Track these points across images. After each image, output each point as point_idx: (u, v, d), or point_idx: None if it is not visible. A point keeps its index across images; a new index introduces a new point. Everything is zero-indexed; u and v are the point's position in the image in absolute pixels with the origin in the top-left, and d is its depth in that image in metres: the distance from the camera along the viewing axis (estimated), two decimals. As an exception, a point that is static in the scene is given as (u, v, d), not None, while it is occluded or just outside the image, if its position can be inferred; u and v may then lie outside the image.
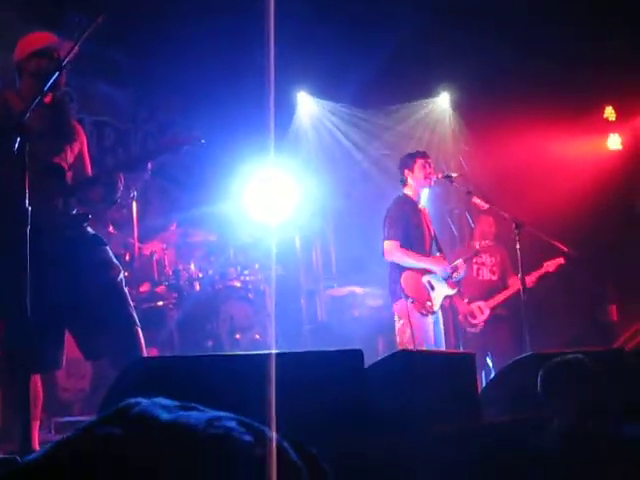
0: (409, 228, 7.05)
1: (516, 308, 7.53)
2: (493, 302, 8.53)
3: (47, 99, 4.60)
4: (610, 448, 3.42)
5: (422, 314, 6.84)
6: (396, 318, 7.02)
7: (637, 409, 3.82)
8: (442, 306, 7.33)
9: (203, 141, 4.89)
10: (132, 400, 1.14)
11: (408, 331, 6.82)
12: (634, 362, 4.65)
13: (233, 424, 1.09)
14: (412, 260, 6.95)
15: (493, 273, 8.74)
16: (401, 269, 6.95)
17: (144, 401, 1.13)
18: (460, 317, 8.64)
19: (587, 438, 3.45)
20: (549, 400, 3.69)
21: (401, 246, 6.96)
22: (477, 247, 8.27)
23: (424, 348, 6.61)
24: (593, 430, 3.48)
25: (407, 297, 6.86)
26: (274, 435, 1.12)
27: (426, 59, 10.50)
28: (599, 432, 3.46)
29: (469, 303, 8.58)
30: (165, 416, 1.08)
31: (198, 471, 1.02)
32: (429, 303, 6.89)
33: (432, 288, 6.96)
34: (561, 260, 8.34)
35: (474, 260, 8.70)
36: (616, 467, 3.34)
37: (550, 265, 8.45)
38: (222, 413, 1.12)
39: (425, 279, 6.95)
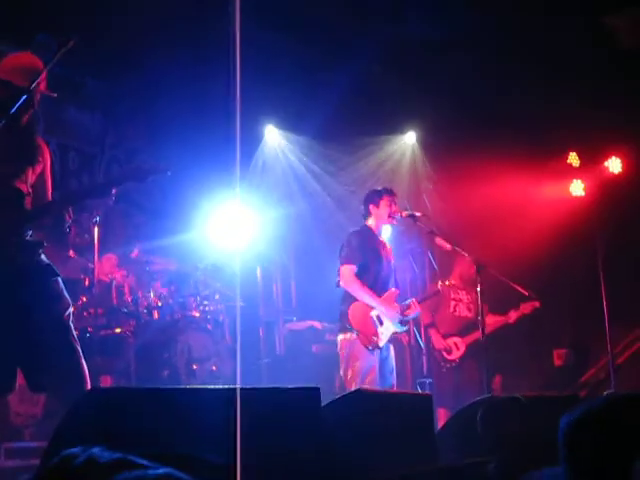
0: (367, 258, 7.02)
1: (490, 347, 7.54)
2: (469, 338, 8.55)
3: (23, 120, 4.58)
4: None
5: (367, 348, 6.79)
6: (339, 349, 6.97)
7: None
8: (397, 342, 7.31)
9: (169, 173, 4.87)
10: (68, 453, 1.09)
11: (349, 366, 6.78)
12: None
13: None
14: (365, 295, 6.90)
15: (469, 310, 8.77)
16: (351, 300, 6.91)
17: (81, 455, 1.08)
18: (436, 352, 8.65)
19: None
20: (486, 439, 3.70)
21: (357, 274, 6.92)
22: (439, 287, 8.24)
23: (365, 384, 6.55)
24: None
25: (352, 329, 6.83)
26: None
27: (394, 96, 10.57)
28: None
29: (445, 339, 8.61)
30: None
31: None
32: (375, 338, 6.81)
33: (380, 323, 6.89)
34: (536, 303, 8.41)
35: (452, 296, 8.75)
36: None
37: (526, 307, 8.54)
38: (160, 471, 1.07)
39: (374, 313, 6.87)
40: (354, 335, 6.80)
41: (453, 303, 8.82)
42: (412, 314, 7.22)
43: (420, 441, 3.84)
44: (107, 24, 8.49)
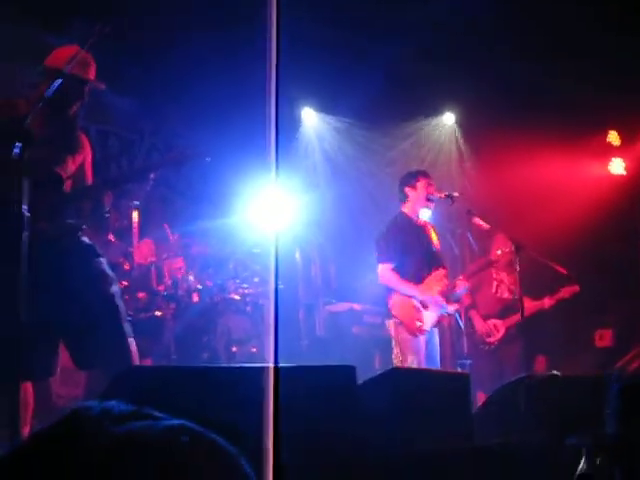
0: (403, 248, 7.02)
1: (528, 329, 7.51)
2: (509, 321, 8.51)
3: (72, 110, 4.65)
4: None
5: (412, 334, 6.80)
6: (389, 333, 7.02)
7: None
8: (440, 324, 7.30)
9: (209, 159, 4.91)
10: (83, 405, 1.10)
11: (396, 351, 6.81)
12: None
13: (185, 439, 1.05)
14: (406, 289, 6.92)
15: (510, 292, 8.72)
16: (391, 291, 6.94)
17: (96, 408, 1.09)
18: (476, 335, 8.62)
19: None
20: (526, 416, 3.70)
21: (393, 269, 6.93)
22: (492, 257, 8.14)
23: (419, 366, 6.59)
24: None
25: (395, 318, 6.84)
26: (228, 448, 1.09)
27: (432, 78, 10.51)
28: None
29: (485, 320, 8.57)
30: (115, 429, 1.04)
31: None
32: (419, 323, 6.83)
33: (425, 307, 6.91)
34: (576, 288, 8.36)
35: (494, 276, 8.71)
36: None
37: (566, 292, 8.48)
38: (175, 422, 1.08)
39: (417, 300, 6.90)
40: (397, 323, 6.83)
41: (495, 284, 8.78)
42: (460, 291, 7.22)
43: (456, 419, 3.84)
44: (141, 8, 8.53)
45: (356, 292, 10.02)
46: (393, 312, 6.87)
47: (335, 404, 3.15)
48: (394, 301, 6.91)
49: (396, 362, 6.85)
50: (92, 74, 4.77)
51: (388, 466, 3.09)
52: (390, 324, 6.96)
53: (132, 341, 4.62)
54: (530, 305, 8.55)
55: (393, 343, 6.96)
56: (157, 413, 1.10)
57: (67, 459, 1.01)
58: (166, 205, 10.26)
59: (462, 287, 7.25)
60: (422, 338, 6.87)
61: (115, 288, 4.70)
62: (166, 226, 8.72)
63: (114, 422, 1.05)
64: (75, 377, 6.61)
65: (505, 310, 8.62)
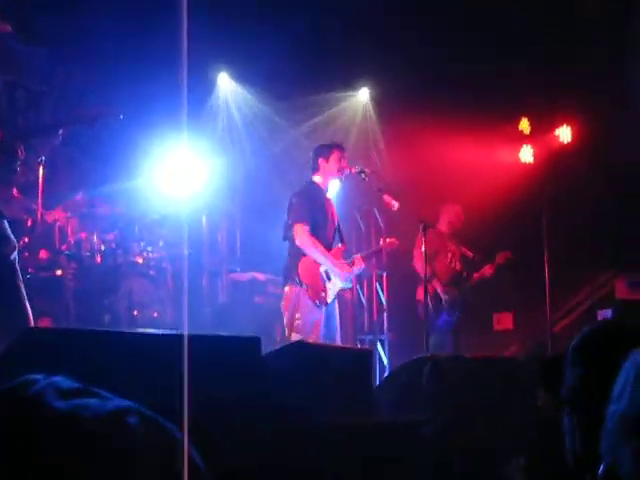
0: (315, 215, 7.00)
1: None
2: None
3: None
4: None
5: (314, 303, 6.79)
6: (284, 301, 6.95)
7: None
8: (340, 298, 7.32)
9: (122, 116, 4.81)
10: (29, 378, 1.07)
11: (292, 316, 6.77)
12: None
13: (135, 420, 1.03)
14: (319, 254, 6.89)
15: (460, 263, 8.90)
16: (301, 254, 6.89)
17: (41, 381, 1.06)
18: (444, 304, 8.71)
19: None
20: (428, 395, 3.76)
21: (310, 232, 6.90)
22: (381, 244, 8.16)
23: (310, 338, 6.56)
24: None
25: (302, 283, 6.81)
26: (176, 432, 1.07)
27: (348, 52, 10.52)
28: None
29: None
30: (59, 404, 1.01)
31: (87, 468, 0.97)
32: (323, 294, 6.83)
33: (328, 279, 6.90)
34: (508, 253, 8.69)
35: (448, 247, 8.84)
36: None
37: (500, 258, 8.77)
38: (124, 403, 1.06)
39: (322, 269, 6.89)
40: (302, 288, 6.79)
41: (450, 255, 8.89)
42: (356, 270, 7.23)
43: (356, 394, 3.87)
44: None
45: (260, 262, 10.01)
46: (302, 277, 6.82)
47: (241, 374, 3.14)
48: (303, 266, 6.86)
49: (293, 330, 6.78)
50: None
51: (288, 436, 3.10)
52: (291, 289, 6.88)
53: (27, 305, 4.53)
54: (475, 275, 8.91)
55: (287, 309, 6.86)
56: (105, 393, 1.07)
57: (6, 430, 0.97)
58: (73, 164, 10.05)
59: (359, 267, 7.24)
60: (322, 309, 6.84)
61: (15, 253, 4.58)
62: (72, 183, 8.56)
63: (60, 397, 1.02)
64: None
65: (458, 280, 8.78)
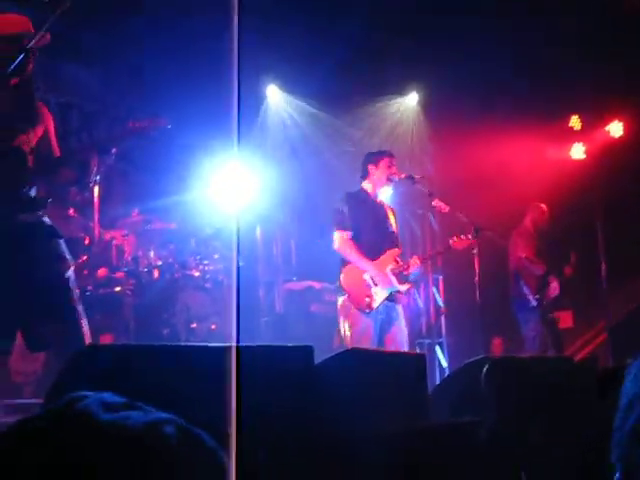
0: (360, 222, 7.02)
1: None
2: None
3: (13, 81, 4.57)
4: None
5: (360, 310, 6.79)
6: (338, 310, 6.99)
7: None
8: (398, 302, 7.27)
9: (169, 126, 4.89)
10: (78, 394, 1.14)
11: (344, 326, 6.81)
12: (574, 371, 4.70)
13: (171, 430, 1.09)
14: (357, 259, 6.92)
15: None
16: (344, 263, 6.94)
17: (90, 397, 1.13)
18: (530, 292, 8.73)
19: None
20: (489, 399, 3.75)
21: (351, 238, 6.94)
22: (450, 243, 7.98)
23: (364, 345, 6.57)
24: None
25: (344, 291, 6.85)
26: (212, 444, 1.12)
27: (397, 57, 10.54)
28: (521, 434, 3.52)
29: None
30: (105, 416, 1.08)
31: (129, 476, 1.03)
32: (367, 299, 6.80)
33: (375, 284, 6.89)
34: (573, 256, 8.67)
35: (534, 245, 8.84)
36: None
37: (568, 270, 8.83)
38: (164, 416, 1.11)
39: (367, 275, 6.89)
40: (346, 298, 6.83)
41: (535, 251, 8.88)
42: (413, 271, 7.18)
43: (412, 400, 3.88)
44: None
45: (316, 271, 10.05)
46: (343, 285, 6.86)
47: (293, 384, 3.18)
48: (345, 274, 6.90)
49: (347, 339, 6.82)
50: (30, 31, 4.65)
51: (344, 447, 3.13)
52: (337, 298, 6.96)
53: (85, 323, 4.60)
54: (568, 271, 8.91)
55: (340, 320, 6.91)
56: (147, 406, 1.14)
57: (59, 443, 1.04)
58: (127, 179, 10.21)
59: (415, 267, 7.19)
60: (372, 315, 6.83)
61: (70, 273, 4.66)
62: (128, 201, 8.70)
63: (105, 411, 1.08)
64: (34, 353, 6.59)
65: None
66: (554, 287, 8.65)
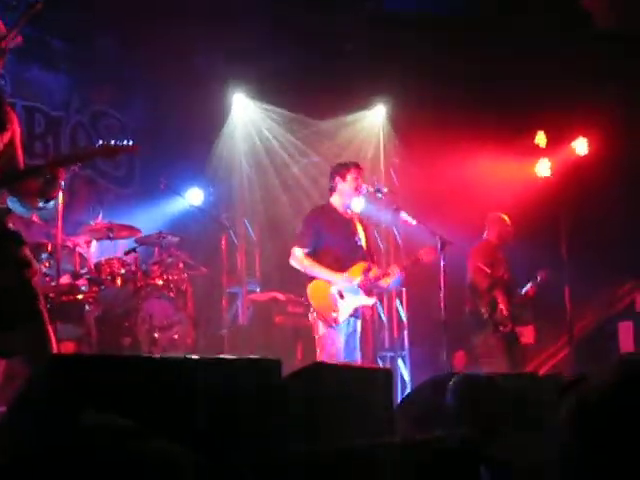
0: (320, 237, 7.02)
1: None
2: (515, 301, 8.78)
3: None
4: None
5: (327, 325, 6.79)
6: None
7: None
8: (363, 317, 7.28)
9: (137, 152, 4.86)
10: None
11: (318, 339, 6.82)
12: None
13: (138, 443, 1.06)
14: (317, 271, 6.92)
15: (509, 272, 8.84)
16: (310, 278, 6.94)
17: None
18: (500, 314, 8.62)
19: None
20: (455, 414, 3.75)
21: (307, 254, 6.94)
22: (419, 255, 7.94)
23: (334, 359, 6.57)
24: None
25: (310, 306, 6.86)
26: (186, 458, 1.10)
27: (363, 71, 10.57)
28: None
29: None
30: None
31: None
32: (334, 314, 6.80)
33: (341, 297, 6.87)
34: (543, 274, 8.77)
35: (500, 259, 8.80)
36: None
37: (532, 288, 8.82)
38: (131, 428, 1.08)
39: (334, 289, 6.87)
40: (314, 313, 6.83)
41: (502, 264, 8.84)
42: (393, 279, 7.16)
43: (378, 415, 3.86)
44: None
45: (280, 282, 10.03)
46: (310, 300, 6.86)
47: (259, 398, 3.15)
48: (312, 288, 6.90)
49: (317, 354, 6.85)
50: (5, 43, 4.58)
51: (310, 462, 3.10)
52: (310, 313, 6.96)
53: (50, 330, 4.54)
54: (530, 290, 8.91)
55: (315, 334, 6.93)
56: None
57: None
58: (92, 187, 10.13)
59: (396, 276, 7.19)
60: (339, 329, 6.83)
61: (36, 278, 4.60)
62: (91, 209, 8.62)
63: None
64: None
65: (509, 292, 8.72)
66: (503, 302, 8.62)
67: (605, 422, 1.90)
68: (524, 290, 8.86)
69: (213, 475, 1.02)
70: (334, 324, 6.78)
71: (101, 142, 4.78)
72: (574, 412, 2.00)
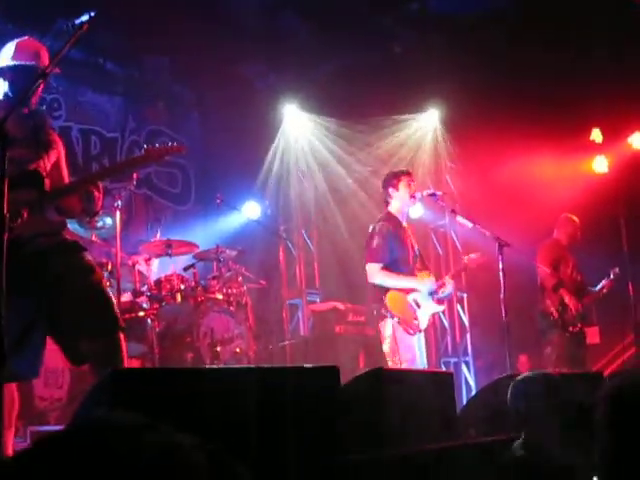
0: (392, 248, 7.01)
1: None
2: (585, 302, 8.67)
3: (25, 109, 4.60)
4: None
5: (409, 333, 6.81)
6: (382, 337, 6.96)
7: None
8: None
9: (184, 152, 4.90)
10: (100, 415, 1.10)
11: (391, 349, 6.80)
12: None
13: (197, 454, 1.05)
14: (395, 282, 6.92)
15: (580, 274, 8.76)
16: (385, 289, 6.92)
17: (114, 418, 1.09)
18: (569, 313, 8.55)
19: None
20: (516, 417, 3.70)
21: (383, 268, 6.93)
22: (465, 261, 7.95)
23: (411, 366, 6.58)
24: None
25: (392, 316, 6.83)
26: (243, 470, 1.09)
27: (415, 74, 10.53)
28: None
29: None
30: (121, 439, 1.04)
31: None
32: (416, 322, 6.85)
33: (418, 306, 6.91)
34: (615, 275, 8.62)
35: (568, 258, 8.73)
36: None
37: (608, 285, 8.71)
38: (187, 440, 1.08)
39: (411, 298, 6.90)
40: (395, 322, 6.82)
41: (571, 264, 8.76)
42: (447, 290, 7.20)
43: (441, 418, 3.84)
44: (126, 6, 8.52)
45: (339, 291, 10.03)
46: (392, 310, 6.84)
47: (319, 406, 3.15)
48: (390, 299, 6.88)
49: (391, 360, 6.82)
50: (44, 61, 4.68)
51: (375, 467, 3.09)
52: (385, 323, 6.91)
53: (122, 335, 4.56)
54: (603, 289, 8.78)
55: (387, 344, 6.89)
56: (166, 427, 1.10)
57: (70, 466, 1.01)
58: (149, 204, 10.25)
59: (450, 286, 7.22)
60: (417, 337, 6.88)
61: (104, 280, 4.66)
62: (149, 226, 8.72)
63: (129, 433, 1.05)
64: (58, 379, 6.60)
65: (579, 291, 8.64)
66: (572, 302, 8.51)
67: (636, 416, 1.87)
68: (599, 286, 8.73)
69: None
70: (416, 332, 6.82)
71: (145, 146, 4.84)
72: (607, 407, 1.97)
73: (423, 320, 6.92)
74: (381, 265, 6.94)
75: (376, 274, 6.94)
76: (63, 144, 4.90)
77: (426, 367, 7.08)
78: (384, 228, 7.12)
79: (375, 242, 7.04)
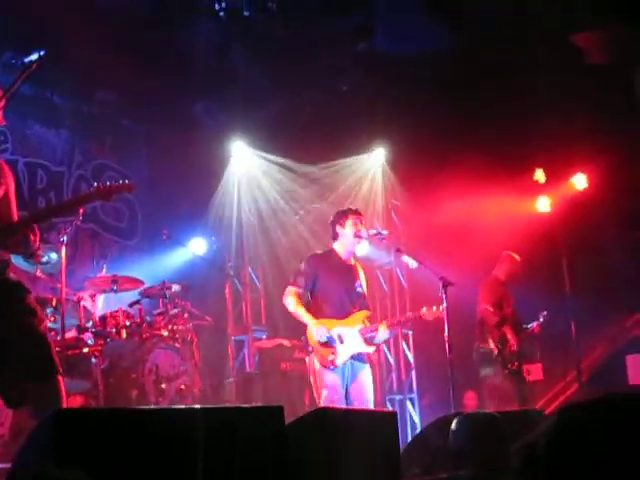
0: (320, 281, 7.01)
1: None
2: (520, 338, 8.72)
3: None
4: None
5: (324, 367, 6.75)
6: (309, 371, 6.92)
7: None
8: (370, 361, 7.23)
9: (133, 191, 4.89)
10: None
11: (316, 384, 6.77)
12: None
13: None
14: (294, 311, 6.94)
15: (516, 311, 8.86)
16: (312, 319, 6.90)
17: None
18: (508, 351, 8.60)
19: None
20: (460, 454, 3.74)
21: (297, 294, 6.95)
22: (422, 313, 7.79)
23: (327, 403, 6.51)
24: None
25: (308, 346, 6.82)
26: None
27: (362, 115, 10.64)
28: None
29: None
30: None
31: None
32: (331, 356, 6.79)
33: (341, 341, 6.84)
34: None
35: (508, 296, 8.79)
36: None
37: (537, 326, 8.78)
38: None
39: (335, 331, 6.86)
40: (311, 354, 6.80)
41: (512, 302, 8.84)
42: (380, 336, 7.07)
43: (385, 457, 3.86)
44: (75, 42, 8.52)
45: (286, 328, 10.02)
46: (309, 340, 6.82)
47: (264, 445, 3.16)
48: (309, 331, 6.88)
49: (315, 394, 6.80)
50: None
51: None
52: (310, 357, 6.90)
53: (61, 378, 4.52)
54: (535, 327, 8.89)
55: (312, 376, 6.86)
56: None
57: None
58: (95, 240, 10.19)
59: (384, 334, 7.11)
60: (338, 371, 6.77)
61: (44, 325, 4.61)
62: (95, 262, 8.66)
63: None
64: (1, 416, 6.49)
65: (517, 329, 8.72)
66: (513, 339, 8.61)
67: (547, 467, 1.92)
68: (530, 326, 8.84)
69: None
70: (331, 366, 6.74)
71: (95, 184, 4.82)
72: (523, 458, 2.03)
73: (342, 356, 6.78)
74: (296, 290, 6.96)
75: (287, 295, 7.00)
76: (13, 176, 4.84)
77: (371, 403, 7.01)
78: (315, 259, 7.17)
79: (302, 267, 7.09)
